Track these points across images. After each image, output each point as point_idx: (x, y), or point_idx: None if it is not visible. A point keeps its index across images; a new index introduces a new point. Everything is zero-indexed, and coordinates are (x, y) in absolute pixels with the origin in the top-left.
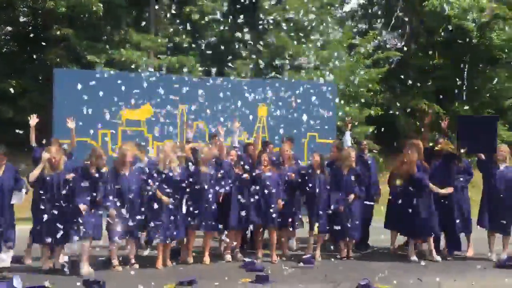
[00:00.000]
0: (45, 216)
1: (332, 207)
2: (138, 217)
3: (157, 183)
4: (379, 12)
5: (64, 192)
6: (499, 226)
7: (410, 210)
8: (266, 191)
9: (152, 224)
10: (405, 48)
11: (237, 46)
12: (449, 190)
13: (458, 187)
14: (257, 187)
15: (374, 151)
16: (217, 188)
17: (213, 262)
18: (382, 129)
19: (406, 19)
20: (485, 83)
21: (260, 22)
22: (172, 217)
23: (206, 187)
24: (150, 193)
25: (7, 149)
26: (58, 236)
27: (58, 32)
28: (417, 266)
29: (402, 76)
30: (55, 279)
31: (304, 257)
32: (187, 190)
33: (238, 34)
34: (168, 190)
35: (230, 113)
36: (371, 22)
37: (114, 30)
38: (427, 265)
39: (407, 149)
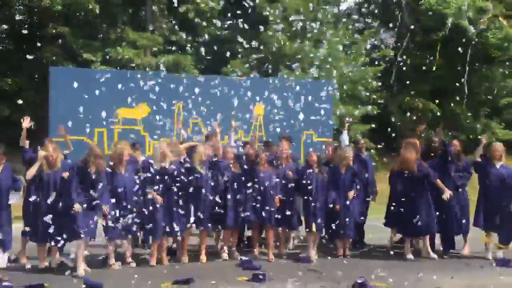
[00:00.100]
0: (42, 215)
1: (329, 206)
2: (134, 215)
3: (151, 183)
4: (376, 11)
5: (60, 190)
6: (495, 225)
7: (409, 209)
8: (263, 190)
9: (146, 222)
10: (402, 47)
11: (234, 44)
12: (447, 194)
13: (457, 186)
14: (256, 186)
15: (371, 150)
16: (212, 184)
17: (209, 261)
18: (379, 127)
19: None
20: (481, 82)
21: (258, 20)
22: (166, 215)
23: (201, 186)
24: (145, 191)
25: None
26: (55, 235)
27: (54, 30)
28: (413, 264)
29: (398, 75)
30: (51, 278)
31: (301, 255)
32: (183, 187)
33: (235, 33)
34: (162, 187)
35: (227, 112)
36: (368, 21)
37: (110, 28)
38: (423, 263)
39: (404, 149)
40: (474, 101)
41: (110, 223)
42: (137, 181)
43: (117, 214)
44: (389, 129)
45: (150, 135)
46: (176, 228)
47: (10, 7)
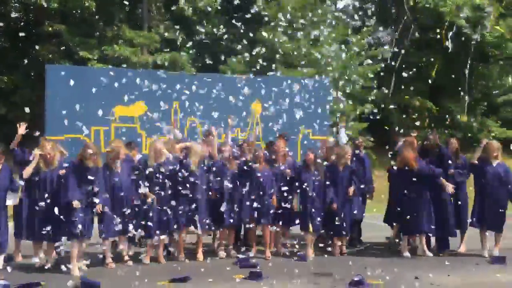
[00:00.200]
0: (38, 214)
1: (327, 204)
2: (130, 213)
3: (146, 181)
4: (373, 9)
5: (57, 188)
6: (491, 223)
7: (407, 207)
8: (260, 188)
9: (142, 220)
10: (400, 45)
11: (231, 43)
12: (450, 188)
13: (456, 183)
14: (254, 184)
15: (366, 148)
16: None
17: (206, 259)
18: (376, 126)
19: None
20: (478, 80)
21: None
22: (162, 213)
23: (196, 185)
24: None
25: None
26: (51, 233)
27: (50, 28)
28: (410, 262)
29: (396, 73)
30: (48, 277)
31: (298, 253)
32: (178, 184)
33: (232, 31)
34: (157, 185)
35: (224, 110)
36: (365, 19)
37: (106, 26)
38: (420, 261)
39: (403, 147)
40: (470, 99)
41: (105, 222)
42: (133, 179)
43: (113, 212)
44: (386, 128)
45: (147, 133)
46: (172, 226)
47: (6, 4)
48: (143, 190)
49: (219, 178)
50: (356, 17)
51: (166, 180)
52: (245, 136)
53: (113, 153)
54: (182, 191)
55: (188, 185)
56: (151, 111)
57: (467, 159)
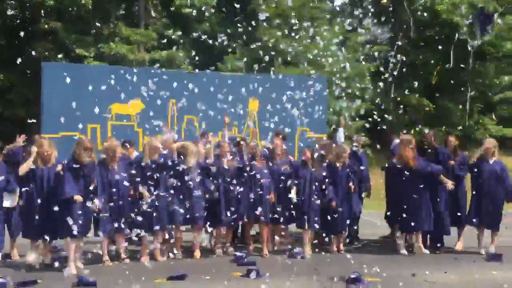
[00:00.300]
0: (35, 211)
1: (325, 202)
2: (127, 211)
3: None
4: (370, 7)
5: (54, 186)
6: (488, 221)
7: (405, 205)
8: (257, 186)
9: (138, 217)
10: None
11: (228, 41)
12: (450, 184)
13: (455, 179)
14: (251, 181)
15: (365, 146)
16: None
17: (204, 257)
18: (373, 124)
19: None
20: (474, 78)
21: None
22: (158, 211)
23: (192, 183)
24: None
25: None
26: (48, 231)
27: (46, 26)
28: (407, 259)
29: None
30: (44, 274)
31: (295, 251)
32: (173, 177)
33: (229, 29)
34: (152, 182)
35: (220, 108)
36: (362, 17)
37: (103, 23)
38: (417, 258)
39: (401, 146)
40: (467, 97)
41: (102, 220)
42: (130, 176)
43: (109, 210)
44: (384, 126)
45: (144, 131)
46: (168, 224)
47: (2, 1)
48: (141, 189)
49: (211, 178)
50: (355, 12)
51: (160, 175)
52: (243, 134)
53: (109, 151)
54: (178, 188)
55: (184, 183)
56: (147, 109)
57: (467, 158)
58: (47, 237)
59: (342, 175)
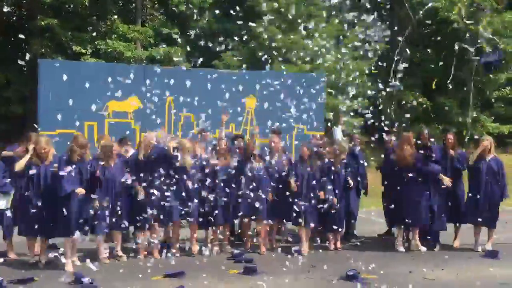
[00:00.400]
0: (32, 209)
1: (326, 198)
2: (123, 208)
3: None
4: (367, 4)
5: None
6: (485, 218)
7: (402, 201)
8: (255, 183)
9: (135, 214)
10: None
11: (225, 38)
12: (447, 181)
13: (453, 176)
14: (248, 179)
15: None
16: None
17: (201, 254)
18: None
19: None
20: (471, 76)
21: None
22: (154, 206)
23: (187, 179)
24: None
25: None
26: (45, 229)
27: (43, 22)
28: (404, 256)
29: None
30: (41, 272)
31: (293, 248)
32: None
33: (226, 25)
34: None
35: (218, 105)
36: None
37: (100, 20)
38: (414, 255)
39: (400, 144)
40: (464, 94)
41: (98, 217)
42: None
43: (106, 207)
44: (382, 124)
45: (141, 128)
46: (165, 219)
47: None
48: (140, 189)
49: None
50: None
51: (154, 166)
52: (240, 131)
53: (106, 148)
54: (174, 184)
55: (180, 179)
56: (144, 106)
57: (466, 154)
58: (44, 235)
59: (340, 172)
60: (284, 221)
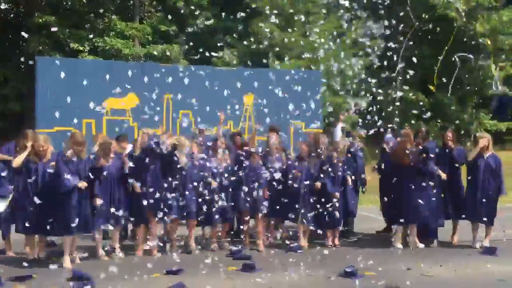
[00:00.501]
0: (30, 206)
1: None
2: (120, 205)
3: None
4: (365, 1)
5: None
6: (483, 215)
7: (400, 198)
8: (253, 180)
9: (132, 210)
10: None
11: (223, 35)
12: (443, 176)
13: (451, 173)
14: (246, 176)
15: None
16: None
17: (199, 251)
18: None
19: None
20: (469, 73)
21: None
22: (153, 202)
23: (184, 177)
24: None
25: None
26: (43, 227)
27: (40, 20)
28: (402, 253)
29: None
30: (39, 270)
31: (291, 245)
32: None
33: (224, 23)
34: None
35: (216, 103)
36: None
37: (97, 17)
38: (412, 251)
39: (399, 141)
40: (461, 91)
41: (96, 213)
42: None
43: (104, 204)
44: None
45: (139, 126)
46: (163, 215)
47: None
48: (136, 186)
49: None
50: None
51: (149, 160)
52: (238, 129)
53: (105, 146)
54: (171, 182)
55: (178, 176)
56: (142, 103)
57: (465, 151)
58: (42, 233)
59: (338, 169)
60: (283, 220)
